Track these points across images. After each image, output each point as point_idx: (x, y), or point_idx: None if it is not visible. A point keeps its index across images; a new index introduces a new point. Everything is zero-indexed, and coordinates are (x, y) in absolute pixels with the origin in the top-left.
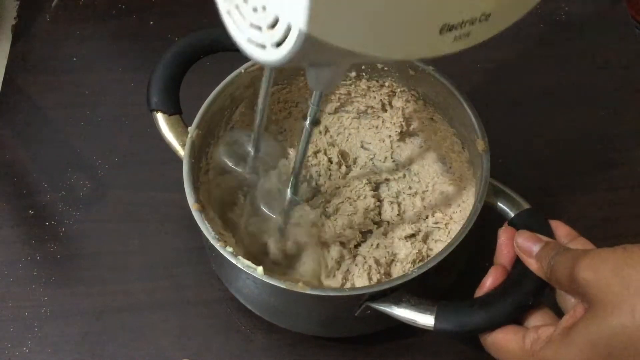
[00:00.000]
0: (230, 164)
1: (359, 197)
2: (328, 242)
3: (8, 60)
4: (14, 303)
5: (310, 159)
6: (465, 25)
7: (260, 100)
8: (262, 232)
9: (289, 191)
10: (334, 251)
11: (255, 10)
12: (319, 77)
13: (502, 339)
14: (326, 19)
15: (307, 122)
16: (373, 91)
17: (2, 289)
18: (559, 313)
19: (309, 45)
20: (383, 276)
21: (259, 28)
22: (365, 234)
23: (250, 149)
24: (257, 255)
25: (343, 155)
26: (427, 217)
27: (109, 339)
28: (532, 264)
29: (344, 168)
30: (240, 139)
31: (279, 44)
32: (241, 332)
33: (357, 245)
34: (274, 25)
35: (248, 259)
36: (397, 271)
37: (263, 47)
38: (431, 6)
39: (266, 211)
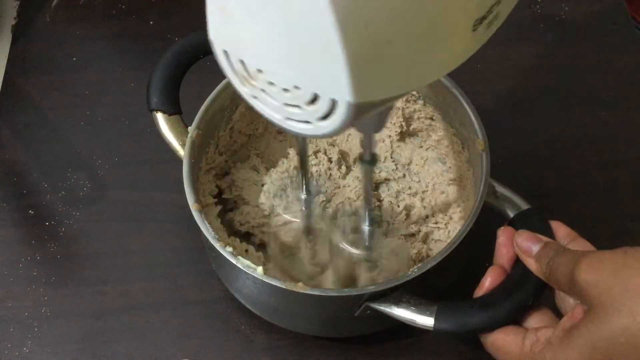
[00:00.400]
0: (289, 216)
1: (358, 197)
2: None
3: (8, 60)
4: (14, 303)
5: (310, 158)
6: (493, 8)
7: (300, 145)
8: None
9: (366, 225)
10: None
11: (286, 90)
12: (367, 124)
13: (502, 339)
14: (369, 82)
15: (365, 163)
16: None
17: (2, 289)
18: (558, 313)
19: (359, 109)
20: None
21: (297, 106)
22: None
23: (302, 194)
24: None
25: (343, 155)
26: (427, 217)
27: (109, 339)
28: (532, 264)
29: (344, 168)
30: (280, 187)
31: (325, 117)
32: (241, 332)
33: None
34: (313, 101)
35: None
36: None
37: (307, 122)
38: (459, 17)
39: (350, 249)
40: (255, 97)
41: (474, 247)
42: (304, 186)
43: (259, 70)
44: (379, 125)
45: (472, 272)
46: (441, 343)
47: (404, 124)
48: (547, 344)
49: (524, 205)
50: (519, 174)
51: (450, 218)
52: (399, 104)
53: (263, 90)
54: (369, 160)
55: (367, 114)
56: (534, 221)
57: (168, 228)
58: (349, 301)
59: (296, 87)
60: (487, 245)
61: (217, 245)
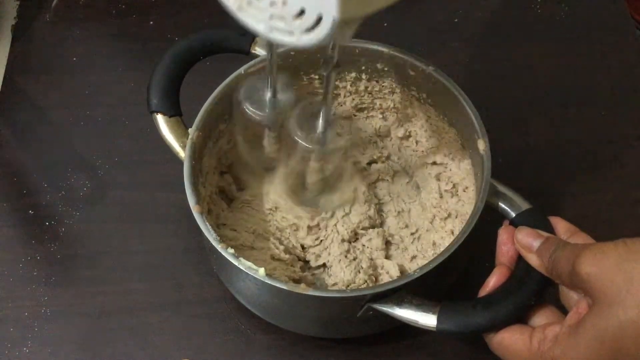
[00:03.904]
0: (253, 110)
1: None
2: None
3: (8, 60)
4: (14, 303)
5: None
6: None
7: (269, 47)
8: (297, 165)
9: (320, 121)
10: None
11: (273, 4)
12: (338, 38)
13: (509, 339)
14: (356, 1)
15: (328, 68)
16: (372, 91)
17: (2, 289)
18: (562, 310)
19: (342, 25)
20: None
21: (282, 19)
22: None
23: (268, 93)
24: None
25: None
26: (427, 217)
27: (109, 339)
28: (533, 260)
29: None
30: (255, 86)
31: (309, 30)
32: (241, 332)
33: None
34: (299, 15)
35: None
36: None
37: (290, 33)
38: None
39: (302, 142)
40: (241, 9)
41: (475, 247)
42: (271, 88)
43: None
44: (348, 38)
45: (473, 272)
46: (441, 344)
47: (403, 124)
48: (555, 340)
49: (526, 205)
50: (518, 174)
51: (451, 218)
52: (398, 104)
53: (249, 3)
54: (334, 65)
55: (350, 29)
56: (535, 220)
57: (168, 228)
58: (351, 302)
59: (284, 2)
60: (488, 246)
61: (219, 247)
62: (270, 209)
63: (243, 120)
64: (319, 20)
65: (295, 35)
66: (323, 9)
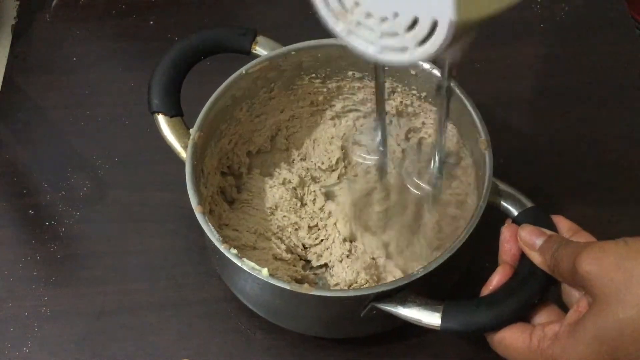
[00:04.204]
0: (365, 156)
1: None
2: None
3: (8, 60)
4: (14, 303)
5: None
6: None
7: (377, 91)
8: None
9: (433, 164)
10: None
11: (384, 20)
12: (451, 51)
13: (509, 337)
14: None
15: (442, 93)
16: (373, 91)
17: (2, 289)
18: (564, 309)
19: (458, 30)
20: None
21: (394, 35)
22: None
23: (378, 134)
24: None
25: (344, 154)
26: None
27: (109, 339)
28: (536, 257)
29: (342, 169)
30: (365, 133)
31: (424, 41)
32: (241, 332)
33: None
34: (412, 26)
35: None
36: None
37: (404, 49)
38: None
39: (419, 183)
40: (350, 33)
41: (477, 246)
42: (381, 126)
43: (356, 3)
44: (460, 53)
45: (475, 272)
46: (443, 344)
47: (404, 123)
48: (554, 339)
49: (528, 203)
50: (518, 173)
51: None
52: (399, 103)
53: (359, 24)
54: (446, 91)
55: (465, 36)
56: (537, 218)
57: (168, 228)
58: (354, 302)
59: (395, 14)
60: (489, 246)
61: (222, 248)
62: (271, 208)
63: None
64: (434, 26)
65: (408, 51)
66: (438, 12)
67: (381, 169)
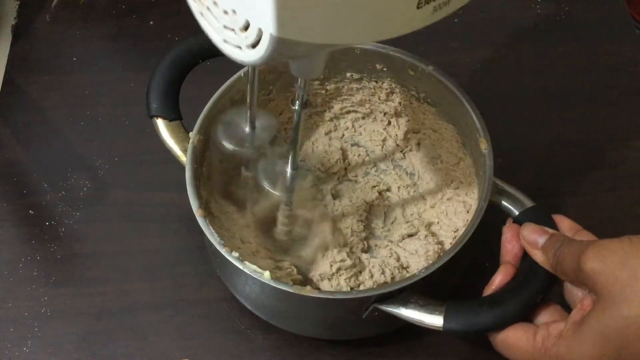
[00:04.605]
0: (228, 144)
1: (357, 199)
2: (336, 220)
3: (8, 60)
4: (14, 303)
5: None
6: None
7: (249, 76)
8: (268, 211)
9: (289, 168)
10: (345, 229)
11: (226, 12)
12: (300, 68)
13: (513, 337)
14: (295, 21)
15: (297, 106)
16: (372, 92)
17: (2, 289)
18: (567, 309)
19: (283, 45)
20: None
21: (233, 30)
22: (369, 235)
23: (246, 127)
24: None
25: (343, 155)
26: (429, 217)
27: (109, 339)
28: (538, 256)
29: (342, 170)
30: (235, 119)
31: (253, 46)
32: (241, 332)
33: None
34: (246, 27)
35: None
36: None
37: (239, 47)
38: None
39: (268, 188)
40: (201, 14)
41: (478, 246)
42: (249, 120)
43: None
44: (312, 71)
45: (476, 272)
46: (443, 344)
47: (403, 124)
48: (559, 337)
49: (529, 203)
50: (518, 174)
51: (454, 218)
52: (398, 104)
53: (208, 9)
54: (301, 104)
55: (294, 53)
56: (539, 217)
57: (168, 228)
58: (356, 303)
59: (233, 12)
60: (489, 246)
61: (223, 251)
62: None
63: (220, 155)
64: (260, 35)
65: (242, 50)
66: (262, 23)
67: (243, 161)
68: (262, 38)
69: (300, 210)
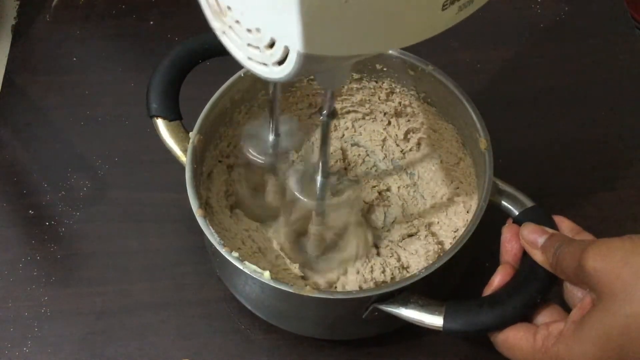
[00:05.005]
0: (255, 155)
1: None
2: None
3: (8, 60)
4: (14, 303)
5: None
6: None
7: (272, 86)
8: (300, 219)
9: (319, 176)
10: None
11: (249, 31)
12: (325, 79)
13: (513, 337)
14: (322, 36)
15: (324, 117)
16: (372, 92)
17: (2, 289)
18: (566, 309)
19: (310, 61)
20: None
21: (257, 48)
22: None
23: (271, 135)
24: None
25: (343, 155)
26: (430, 217)
27: (109, 339)
28: (538, 255)
29: (342, 170)
30: (259, 129)
31: (280, 63)
32: (241, 332)
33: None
34: (271, 45)
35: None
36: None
37: (265, 64)
38: None
39: (299, 197)
40: (224, 33)
41: (478, 246)
42: (273, 128)
43: (229, 7)
44: (337, 81)
45: (476, 272)
46: (442, 344)
47: (403, 124)
48: (559, 336)
49: (529, 203)
50: (518, 174)
51: (454, 218)
52: (398, 104)
53: (231, 28)
54: (328, 114)
55: (321, 67)
56: (539, 217)
57: (168, 228)
58: (356, 303)
59: (257, 30)
60: (489, 246)
61: (223, 251)
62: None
63: (246, 164)
64: (287, 53)
65: (268, 67)
66: (289, 41)
67: (271, 170)
68: (289, 55)
69: (334, 219)
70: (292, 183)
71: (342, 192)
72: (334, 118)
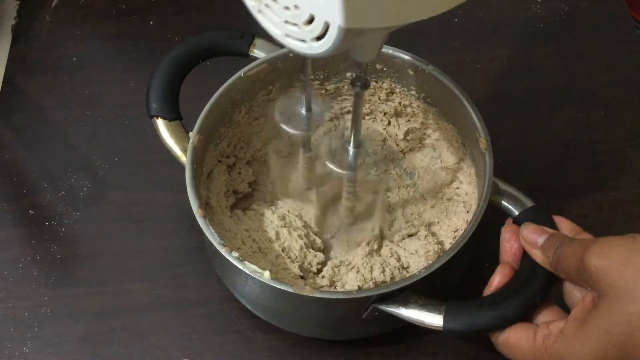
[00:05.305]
0: (287, 127)
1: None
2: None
3: (8, 60)
4: (14, 303)
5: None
6: None
7: (303, 61)
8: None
9: (350, 146)
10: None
11: (287, 8)
12: (359, 52)
13: (513, 337)
14: (362, 10)
15: (357, 87)
16: (372, 92)
17: (2, 289)
18: (566, 309)
19: (350, 35)
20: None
21: (295, 24)
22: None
23: (303, 109)
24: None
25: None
26: (430, 217)
27: (109, 339)
28: (537, 255)
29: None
30: (291, 103)
31: (319, 38)
32: (241, 332)
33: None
34: (310, 21)
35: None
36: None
37: (303, 40)
38: None
39: (331, 166)
40: (260, 12)
41: (478, 247)
42: (305, 102)
43: None
44: (371, 53)
45: (476, 272)
46: (442, 344)
47: (404, 124)
48: (560, 335)
49: (529, 203)
50: (518, 173)
51: (454, 218)
52: (398, 104)
53: (267, 6)
54: (361, 84)
55: (359, 40)
56: (539, 217)
57: (168, 228)
58: (356, 303)
59: (296, 7)
60: (488, 246)
61: (223, 251)
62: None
63: (277, 137)
64: (326, 28)
65: (307, 43)
66: (329, 16)
67: (304, 144)
68: (329, 31)
69: (364, 187)
70: (324, 154)
71: (370, 166)
72: (367, 89)
